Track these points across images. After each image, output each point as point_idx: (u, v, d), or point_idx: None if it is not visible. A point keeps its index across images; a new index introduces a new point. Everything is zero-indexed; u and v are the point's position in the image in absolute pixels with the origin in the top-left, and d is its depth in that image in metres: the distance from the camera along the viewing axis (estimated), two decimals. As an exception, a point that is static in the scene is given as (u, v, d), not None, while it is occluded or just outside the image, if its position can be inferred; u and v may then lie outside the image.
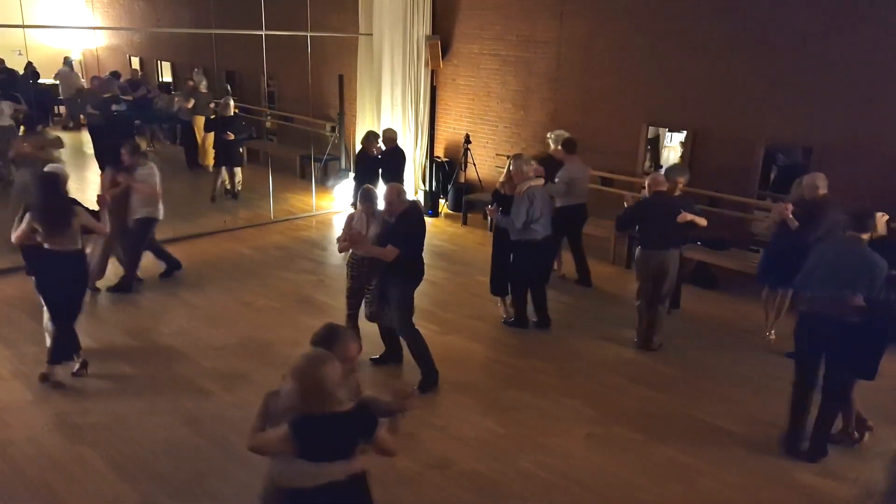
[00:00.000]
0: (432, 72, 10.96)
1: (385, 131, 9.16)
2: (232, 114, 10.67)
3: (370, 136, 8.89)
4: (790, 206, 6.01)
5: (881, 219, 5.31)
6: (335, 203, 11.15)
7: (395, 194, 5.42)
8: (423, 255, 5.58)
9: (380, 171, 8.86)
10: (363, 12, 10.78)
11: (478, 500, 4.38)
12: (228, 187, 11.10)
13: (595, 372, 6.06)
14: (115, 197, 6.72)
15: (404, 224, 5.38)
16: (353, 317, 5.96)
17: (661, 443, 4.99)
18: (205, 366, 5.94)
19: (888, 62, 7.01)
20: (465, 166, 10.48)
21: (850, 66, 7.24)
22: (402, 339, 5.79)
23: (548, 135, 8.44)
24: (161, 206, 7.39)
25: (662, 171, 6.81)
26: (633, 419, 5.31)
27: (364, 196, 5.77)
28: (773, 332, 6.66)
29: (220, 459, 4.65)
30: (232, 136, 10.43)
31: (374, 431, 2.83)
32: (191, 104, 12.14)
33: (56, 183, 5.38)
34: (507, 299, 6.98)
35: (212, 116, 11.17)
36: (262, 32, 10.07)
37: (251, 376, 5.77)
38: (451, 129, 11.16)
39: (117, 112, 11.27)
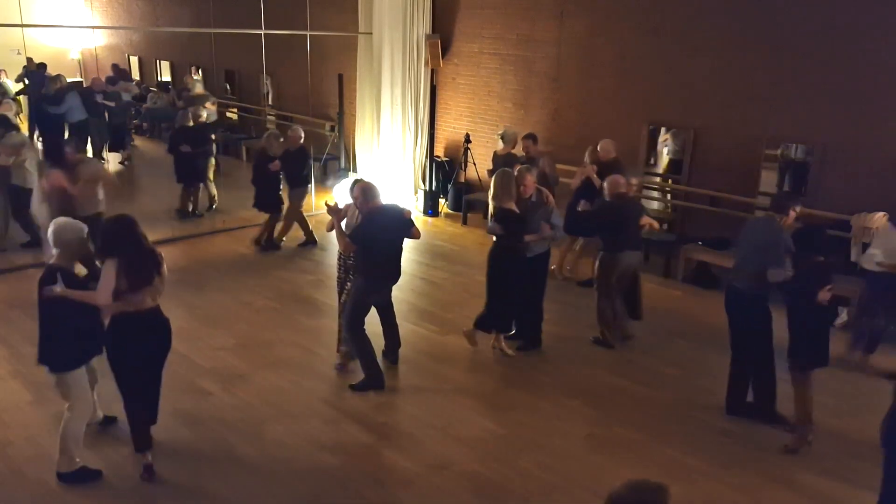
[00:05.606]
0: (432, 71, 10.94)
1: (291, 130, 8.92)
2: (192, 124, 9.83)
3: (270, 137, 8.65)
4: (594, 167, 7.15)
5: (866, 220, 5.58)
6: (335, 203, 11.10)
7: (359, 191, 5.50)
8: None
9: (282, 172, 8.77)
10: (363, 11, 10.76)
11: (478, 501, 4.37)
12: (191, 208, 10.19)
13: (595, 372, 6.05)
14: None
15: (365, 224, 5.42)
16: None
17: (662, 443, 4.98)
18: (204, 366, 5.93)
19: (890, 62, 7.00)
20: (466, 166, 10.46)
21: (852, 65, 7.22)
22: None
23: (500, 133, 8.78)
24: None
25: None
26: (634, 419, 5.30)
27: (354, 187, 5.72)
28: (566, 269, 7.99)
29: (220, 460, 4.63)
30: (188, 149, 9.56)
31: None
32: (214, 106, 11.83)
33: (137, 225, 4.29)
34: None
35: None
36: (262, 31, 10.05)
37: (251, 376, 5.77)
38: (451, 129, 11.14)
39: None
